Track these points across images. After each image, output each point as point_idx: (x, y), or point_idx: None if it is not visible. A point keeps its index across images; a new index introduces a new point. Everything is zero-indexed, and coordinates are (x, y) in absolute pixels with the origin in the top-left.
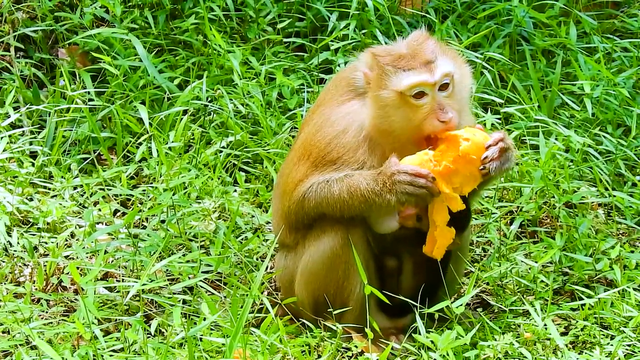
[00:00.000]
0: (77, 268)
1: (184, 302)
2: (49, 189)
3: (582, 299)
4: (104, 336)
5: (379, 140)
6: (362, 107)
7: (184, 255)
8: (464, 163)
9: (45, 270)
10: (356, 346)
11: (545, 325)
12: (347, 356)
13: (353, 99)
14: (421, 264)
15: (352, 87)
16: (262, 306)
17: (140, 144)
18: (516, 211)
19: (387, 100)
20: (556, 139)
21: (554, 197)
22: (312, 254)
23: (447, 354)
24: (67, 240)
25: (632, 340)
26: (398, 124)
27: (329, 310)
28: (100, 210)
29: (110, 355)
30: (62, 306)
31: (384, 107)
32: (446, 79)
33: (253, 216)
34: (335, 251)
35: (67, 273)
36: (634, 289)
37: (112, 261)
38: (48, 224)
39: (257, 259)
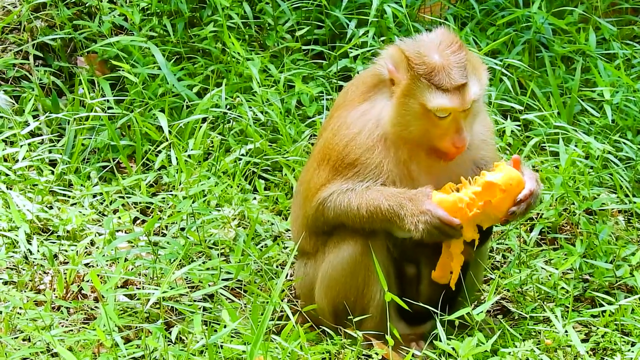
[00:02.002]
0: (98, 276)
1: (205, 309)
2: (69, 197)
3: (603, 306)
4: (124, 344)
5: (394, 141)
6: (377, 106)
7: (203, 262)
8: (492, 209)
9: (66, 278)
10: (377, 353)
11: (566, 332)
12: None
13: (369, 100)
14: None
15: (371, 86)
16: (282, 313)
17: (160, 151)
18: (536, 218)
19: (411, 109)
20: (576, 145)
21: (574, 203)
22: (332, 261)
23: None
24: (87, 248)
25: None
26: (416, 134)
27: (349, 317)
28: (119, 218)
29: None
30: (82, 314)
31: (405, 115)
32: (473, 102)
33: (272, 224)
34: (355, 258)
35: (88, 281)
36: None
37: (132, 269)
38: (68, 232)
39: (277, 267)
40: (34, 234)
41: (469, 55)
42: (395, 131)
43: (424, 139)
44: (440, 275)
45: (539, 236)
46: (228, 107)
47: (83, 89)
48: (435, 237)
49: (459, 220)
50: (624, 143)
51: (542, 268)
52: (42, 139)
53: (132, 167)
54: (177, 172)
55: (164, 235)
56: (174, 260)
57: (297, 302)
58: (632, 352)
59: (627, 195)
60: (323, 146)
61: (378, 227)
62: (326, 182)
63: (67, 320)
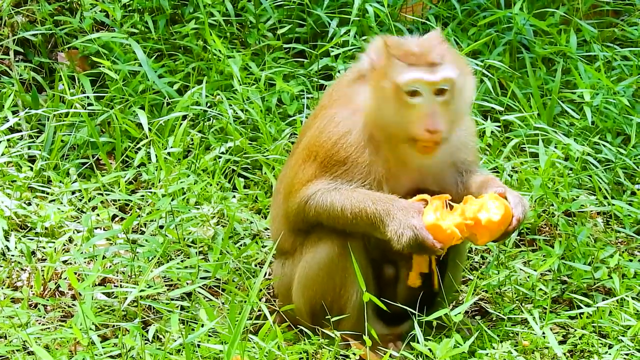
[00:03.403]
0: (75, 273)
1: (182, 308)
2: (47, 193)
3: (581, 308)
4: (101, 342)
5: (379, 139)
6: (361, 100)
7: (182, 261)
8: (481, 229)
9: (43, 275)
10: (354, 353)
11: (543, 333)
12: None
13: (354, 96)
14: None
15: (355, 82)
16: (260, 313)
17: (139, 149)
18: None
19: (385, 91)
20: (556, 147)
21: (553, 205)
22: (309, 261)
23: None
24: (65, 245)
25: (630, 349)
26: (390, 119)
27: (326, 317)
28: (98, 215)
29: None
30: (59, 311)
31: (380, 98)
32: (446, 84)
33: (252, 222)
34: (332, 259)
35: (65, 278)
36: (633, 298)
37: (110, 266)
38: (46, 228)
39: (255, 266)
40: (11, 231)
41: (452, 50)
42: (373, 119)
43: (399, 128)
44: (415, 279)
45: (518, 237)
46: (208, 104)
47: (63, 85)
48: (414, 251)
49: (441, 244)
50: (604, 145)
51: (521, 269)
52: (22, 135)
53: (111, 164)
54: (156, 170)
55: (143, 233)
56: (153, 258)
57: (275, 301)
58: (609, 354)
59: (606, 197)
60: (308, 144)
61: (359, 229)
62: (312, 179)
63: (44, 318)
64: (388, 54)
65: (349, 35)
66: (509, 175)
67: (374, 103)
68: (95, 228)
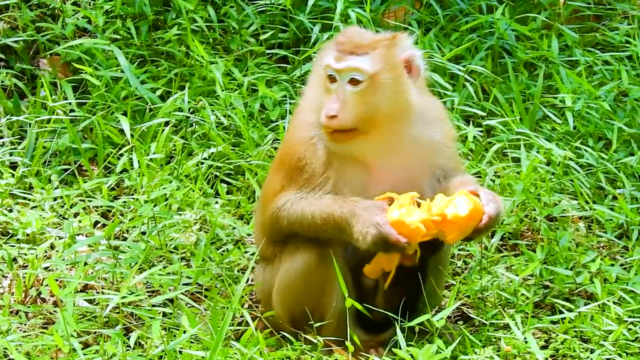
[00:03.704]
0: (57, 280)
1: (164, 314)
2: (29, 200)
3: (563, 313)
4: (83, 349)
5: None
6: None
7: (164, 267)
8: (446, 236)
9: (24, 282)
10: (337, 359)
11: (525, 338)
12: None
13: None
14: (400, 280)
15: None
16: (242, 319)
17: (122, 155)
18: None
19: (318, 77)
20: (537, 151)
21: (535, 210)
22: (288, 269)
23: None
24: (46, 252)
25: (611, 354)
26: (316, 104)
27: (309, 323)
28: (80, 221)
29: None
30: (41, 318)
31: (317, 85)
32: (355, 73)
33: (234, 228)
34: (310, 267)
35: (47, 285)
36: (614, 303)
37: (92, 273)
38: (28, 235)
39: (238, 272)
40: None
41: (393, 48)
42: (313, 109)
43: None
44: (371, 270)
45: (500, 242)
46: (191, 110)
47: (45, 91)
48: (381, 249)
49: (406, 239)
50: (585, 150)
51: (503, 274)
52: (3, 142)
53: (93, 170)
54: (138, 176)
55: (125, 239)
56: (135, 265)
57: (257, 307)
58: (591, 359)
59: (587, 202)
60: (279, 151)
61: (330, 235)
62: (281, 190)
63: (25, 324)
64: (332, 41)
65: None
66: (491, 180)
67: (314, 92)
68: (77, 234)
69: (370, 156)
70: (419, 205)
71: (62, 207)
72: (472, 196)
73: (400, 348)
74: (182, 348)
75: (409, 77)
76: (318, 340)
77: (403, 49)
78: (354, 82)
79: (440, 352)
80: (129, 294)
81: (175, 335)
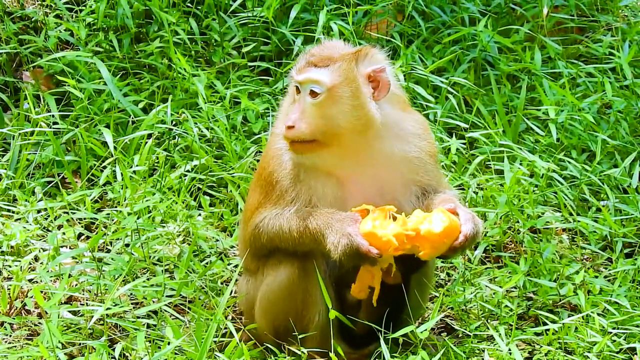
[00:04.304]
0: (41, 292)
1: (148, 326)
2: (13, 212)
3: (546, 324)
4: None
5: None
6: None
7: (148, 279)
8: (421, 241)
9: (9, 294)
10: None
11: (509, 350)
12: None
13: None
14: (384, 292)
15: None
16: (226, 330)
17: (105, 167)
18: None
19: (290, 86)
20: (521, 164)
21: (518, 222)
22: (270, 283)
23: None
24: (31, 264)
25: None
26: (284, 115)
27: (292, 334)
28: (64, 233)
29: None
30: (25, 330)
31: (288, 95)
32: (313, 85)
33: (217, 240)
34: (292, 281)
35: (31, 297)
36: (598, 314)
37: (76, 285)
38: (12, 247)
39: (221, 284)
40: None
41: (349, 62)
42: (282, 122)
43: None
44: (358, 290)
45: (484, 254)
46: (174, 123)
47: (28, 103)
48: (353, 261)
49: (377, 251)
50: (569, 162)
51: (486, 286)
52: None
53: (77, 182)
54: (122, 188)
55: (109, 251)
56: (118, 277)
57: (241, 319)
58: None
59: (571, 214)
60: (258, 166)
61: (307, 247)
62: (259, 206)
63: (10, 336)
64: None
65: None
66: (474, 192)
67: (287, 104)
68: (61, 246)
69: (338, 169)
70: (394, 219)
71: (46, 219)
72: (449, 214)
73: (384, 359)
74: (166, 359)
75: (376, 92)
76: (302, 352)
77: (369, 63)
78: (313, 94)
79: None
80: (113, 306)
81: (159, 347)
